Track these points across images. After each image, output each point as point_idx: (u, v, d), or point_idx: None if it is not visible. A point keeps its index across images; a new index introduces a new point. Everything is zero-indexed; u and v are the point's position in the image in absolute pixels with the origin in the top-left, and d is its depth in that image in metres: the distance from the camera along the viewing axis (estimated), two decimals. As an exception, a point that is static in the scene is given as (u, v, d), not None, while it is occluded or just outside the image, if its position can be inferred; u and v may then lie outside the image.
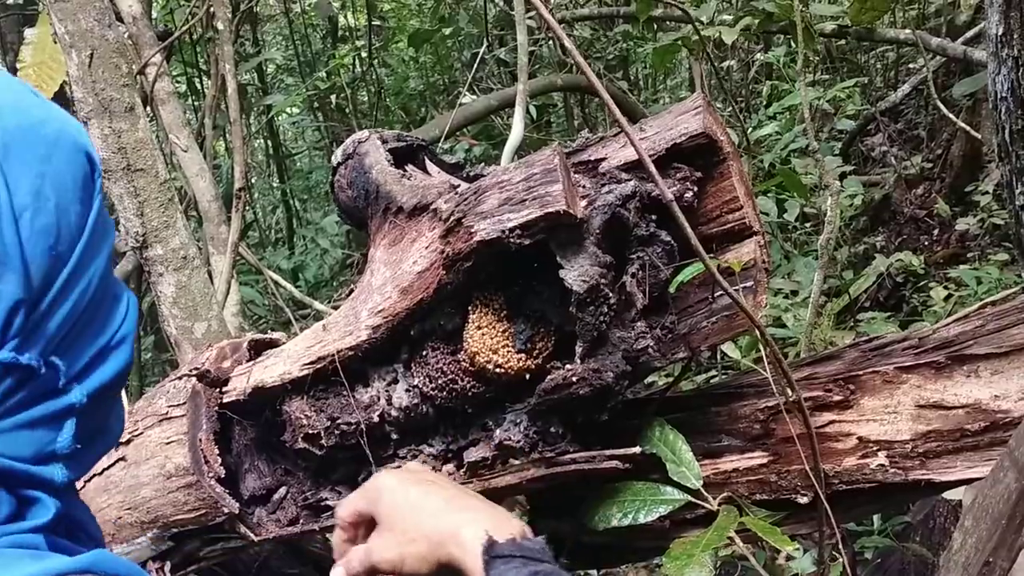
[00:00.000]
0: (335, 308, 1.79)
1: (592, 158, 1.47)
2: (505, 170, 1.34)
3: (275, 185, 7.87)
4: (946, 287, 3.18)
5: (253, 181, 8.65)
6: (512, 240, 1.27)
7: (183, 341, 2.58)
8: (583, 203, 1.32)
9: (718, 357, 2.75)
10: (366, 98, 7.65)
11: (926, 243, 3.83)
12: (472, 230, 1.31)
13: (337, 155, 1.67)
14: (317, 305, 3.48)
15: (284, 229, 7.58)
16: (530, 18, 5.22)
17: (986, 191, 3.55)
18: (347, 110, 7.15)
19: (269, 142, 7.59)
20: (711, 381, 2.90)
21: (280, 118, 7.60)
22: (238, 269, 4.09)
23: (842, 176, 3.78)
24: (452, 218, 1.35)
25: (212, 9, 3.16)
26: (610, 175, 1.41)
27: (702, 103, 1.35)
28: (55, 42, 2.23)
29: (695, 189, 1.38)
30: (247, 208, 7.03)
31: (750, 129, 4.02)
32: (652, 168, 1.18)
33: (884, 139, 4.43)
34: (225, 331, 2.68)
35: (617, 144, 1.46)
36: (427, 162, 1.70)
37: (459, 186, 1.48)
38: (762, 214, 3.32)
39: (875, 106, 4.53)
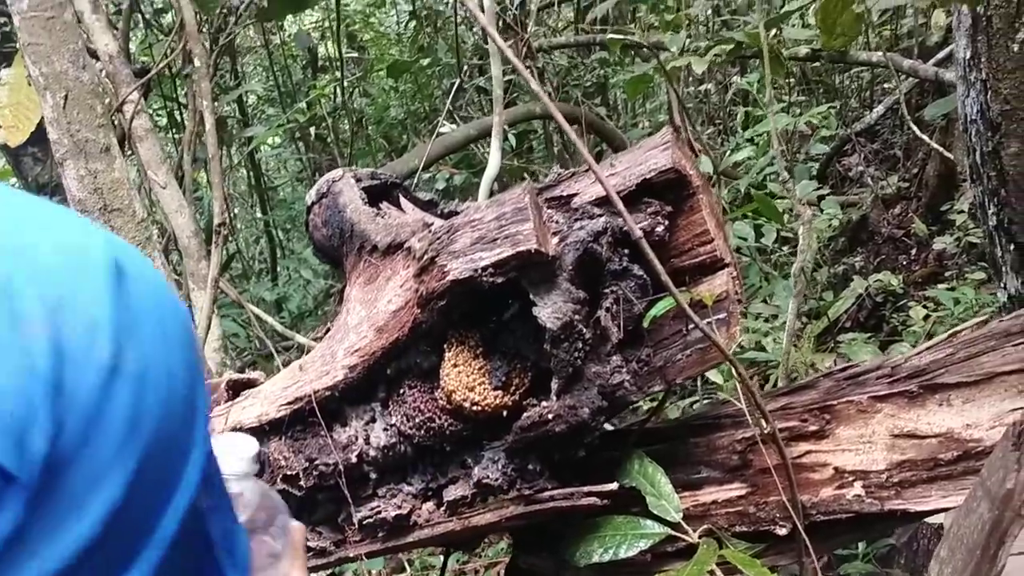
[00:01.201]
0: (317, 340, 1.78)
1: (564, 193, 1.48)
2: (477, 208, 1.34)
3: (258, 216, 7.86)
4: (925, 307, 3.21)
5: (236, 212, 8.64)
6: (485, 279, 1.28)
7: (163, 380, 2.57)
8: (555, 240, 1.33)
9: (699, 383, 2.76)
10: (347, 127, 7.68)
11: (904, 263, 3.86)
12: (445, 269, 1.31)
13: (311, 194, 1.67)
14: (299, 338, 3.46)
15: (267, 260, 7.56)
16: (508, 46, 5.27)
17: (961, 210, 3.59)
18: (328, 140, 7.16)
19: (251, 173, 7.58)
20: (694, 406, 2.91)
21: (262, 149, 7.61)
22: (220, 302, 4.08)
23: (820, 198, 3.81)
24: (425, 257, 1.35)
25: (189, 46, 3.17)
26: (582, 210, 1.42)
27: (671, 138, 1.36)
28: (30, 84, 2.23)
29: (666, 223, 1.38)
30: (229, 240, 7.02)
31: (727, 153, 4.06)
32: (621, 206, 1.19)
33: (860, 160, 4.48)
34: (206, 368, 2.66)
35: (589, 179, 1.46)
36: (401, 199, 1.70)
37: (432, 224, 1.48)
38: (740, 239, 3.36)
39: (850, 127, 4.58)
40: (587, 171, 1.48)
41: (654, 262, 1.22)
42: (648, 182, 1.38)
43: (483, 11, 2.50)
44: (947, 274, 3.56)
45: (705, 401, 2.73)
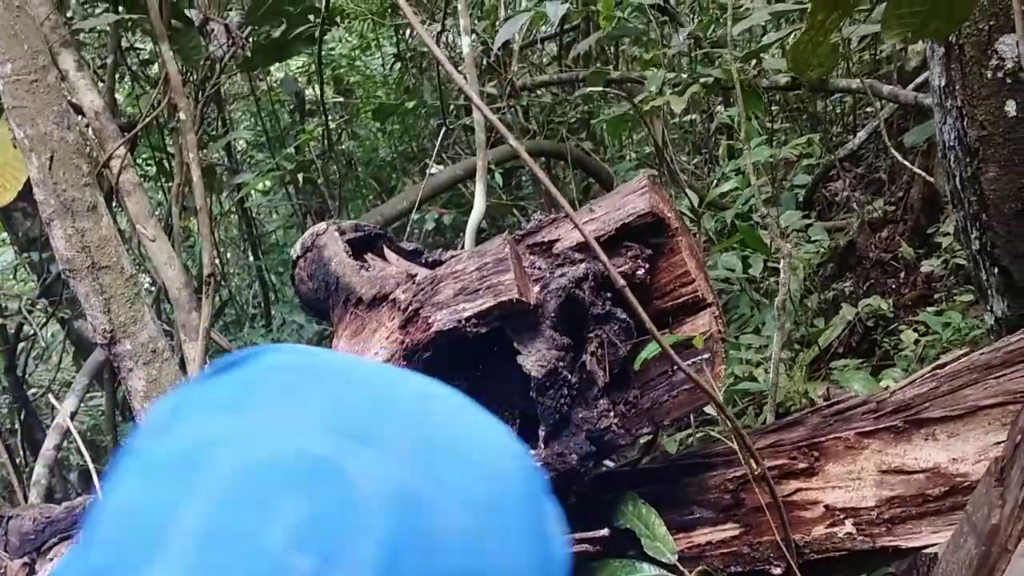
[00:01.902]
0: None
1: (546, 239, 1.49)
2: (459, 259, 1.36)
3: (250, 261, 7.86)
4: (916, 330, 3.21)
5: (228, 257, 8.65)
6: (469, 329, 1.29)
7: (156, 434, 2.56)
8: (537, 287, 1.34)
9: (692, 417, 2.76)
10: (337, 170, 7.71)
11: (893, 286, 3.88)
12: (429, 320, 1.32)
13: (296, 249, 1.68)
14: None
15: (260, 305, 7.55)
16: (492, 86, 5.32)
17: (947, 232, 3.61)
18: (319, 182, 7.19)
19: (242, 219, 7.60)
20: (690, 438, 2.90)
21: (252, 194, 7.64)
22: (213, 351, 4.07)
23: (807, 225, 3.83)
24: (410, 308, 1.36)
25: (174, 99, 3.20)
26: (564, 256, 1.43)
27: (647, 183, 1.38)
28: (15, 145, 2.25)
29: (647, 266, 1.39)
30: (222, 287, 7.02)
31: (713, 183, 4.09)
32: (601, 255, 1.20)
33: (845, 185, 4.51)
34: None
35: (570, 225, 1.48)
36: (385, 250, 1.72)
37: (416, 274, 1.49)
38: (728, 270, 3.37)
39: (835, 153, 4.62)
40: (567, 217, 1.50)
41: (636, 307, 1.23)
42: (627, 226, 1.39)
43: (464, 56, 2.53)
44: (936, 296, 3.58)
45: (699, 435, 2.72)
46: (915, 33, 1.56)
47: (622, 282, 1.22)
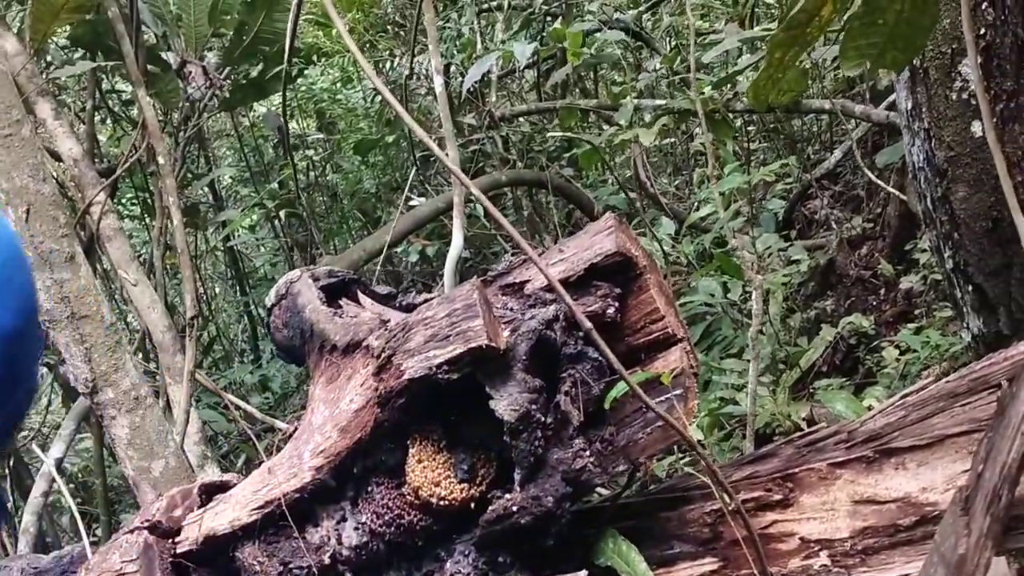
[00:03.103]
0: (286, 439, 1.79)
1: (517, 280, 1.50)
2: (430, 305, 1.37)
3: (238, 297, 7.86)
4: (897, 347, 3.24)
5: (216, 292, 8.64)
6: (440, 376, 1.30)
7: (141, 481, 2.55)
8: (508, 330, 1.35)
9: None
10: (322, 202, 7.73)
11: (874, 303, 3.90)
12: (402, 368, 1.33)
13: (270, 296, 1.69)
14: (279, 424, 3.46)
15: (249, 340, 7.55)
16: (471, 117, 5.36)
17: (924, 248, 3.64)
18: (304, 216, 7.20)
19: (228, 256, 7.60)
20: (677, 463, 2.91)
21: (239, 231, 7.64)
22: (200, 390, 4.07)
23: (786, 247, 3.86)
24: (383, 355, 1.37)
25: (152, 143, 3.21)
26: (535, 297, 1.45)
27: (613, 223, 1.40)
28: (-9, 199, 2.26)
29: (616, 304, 1.41)
30: (208, 323, 7.01)
31: (694, 206, 4.12)
32: (567, 297, 1.22)
33: (823, 204, 4.55)
34: (184, 466, 2.65)
35: (542, 264, 1.49)
36: (360, 294, 1.73)
37: (389, 320, 1.50)
38: (709, 295, 3.40)
39: (811, 172, 4.67)
40: (540, 255, 1.51)
41: (603, 347, 1.24)
42: (595, 266, 1.41)
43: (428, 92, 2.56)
44: (916, 312, 3.61)
45: (685, 460, 2.73)
46: (873, 64, 1.59)
47: (588, 324, 1.23)
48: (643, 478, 1.81)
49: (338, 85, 8.50)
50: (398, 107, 1.25)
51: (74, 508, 2.73)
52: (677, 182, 6.75)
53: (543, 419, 1.32)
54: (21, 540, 4.08)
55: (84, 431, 5.72)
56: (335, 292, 1.72)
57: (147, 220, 6.80)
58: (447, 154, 2.49)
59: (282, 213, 6.04)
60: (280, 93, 4.73)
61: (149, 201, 6.63)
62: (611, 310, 1.40)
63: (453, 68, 5.47)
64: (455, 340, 1.27)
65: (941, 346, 2.81)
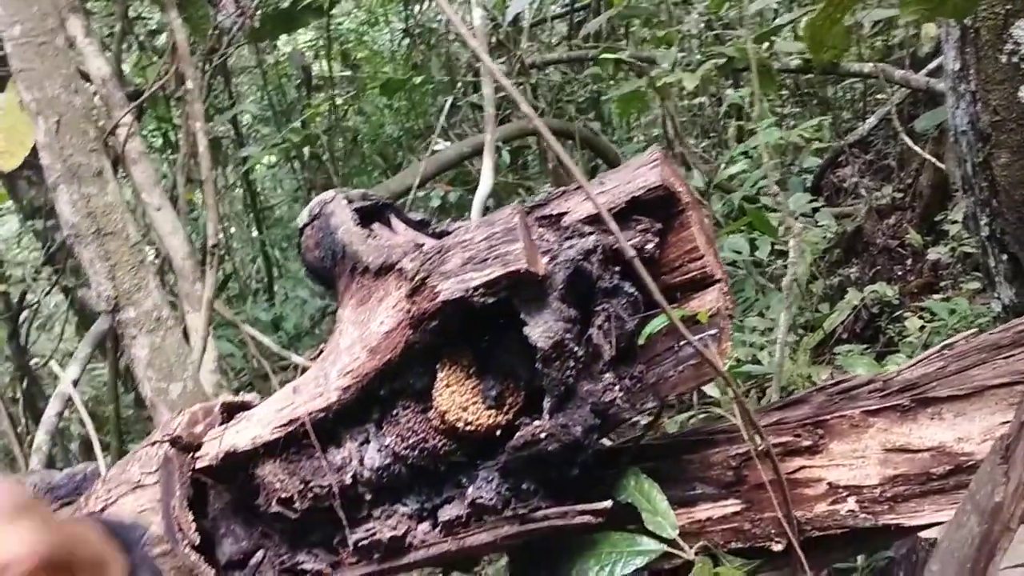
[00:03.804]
0: (313, 360, 1.79)
1: (555, 212, 1.48)
2: (467, 229, 1.35)
3: (254, 236, 7.87)
4: (921, 317, 3.21)
5: (232, 231, 8.65)
6: (476, 299, 1.28)
7: (159, 403, 2.57)
8: (546, 259, 1.33)
9: (695, 396, 2.76)
10: (343, 145, 7.70)
11: (900, 273, 3.87)
12: (436, 290, 1.31)
13: (303, 216, 1.68)
14: (295, 358, 3.47)
15: (264, 279, 7.56)
16: (501, 63, 5.29)
17: (955, 220, 3.60)
18: (324, 157, 7.18)
19: (247, 193, 7.60)
20: (691, 420, 2.91)
21: (257, 168, 7.62)
22: (216, 323, 4.08)
23: (814, 210, 3.82)
24: (417, 277, 1.35)
25: (181, 68, 3.18)
26: (573, 229, 1.43)
27: (659, 156, 1.37)
28: (23, 109, 2.24)
29: (656, 240, 1.39)
30: (224, 261, 7.03)
31: (722, 166, 4.07)
32: (613, 224, 1.20)
33: (854, 171, 4.49)
34: (201, 391, 2.66)
35: (579, 197, 1.47)
36: (393, 220, 1.71)
37: (424, 244, 1.48)
38: (735, 252, 3.36)
39: (844, 138, 4.60)
40: (577, 189, 1.49)
41: (647, 279, 1.22)
42: (637, 200, 1.38)
43: (474, 30, 2.52)
44: (942, 284, 3.57)
45: (702, 416, 2.73)
46: (933, 11, 1.55)
47: (633, 252, 1.22)
48: (664, 421, 1.80)
49: (364, 27, 8.41)
50: (464, 30, 1.22)
51: (90, 425, 2.75)
52: (704, 144, 6.69)
53: (575, 350, 1.31)
54: (33, 458, 4.12)
55: (94, 361, 5.76)
56: (368, 216, 1.70)
57: (168, 153, 6.79)
58: (484, 93, 2.45)
59: (305, 151, 6.01)
60: (306, 29, 4.68)
61: (171, 134, 6.62)
62: (651, 245, 1.38)
63: (484, 13, 5.39)
64: (493, 263, 1.26)
65: (968, 316, 2.78)
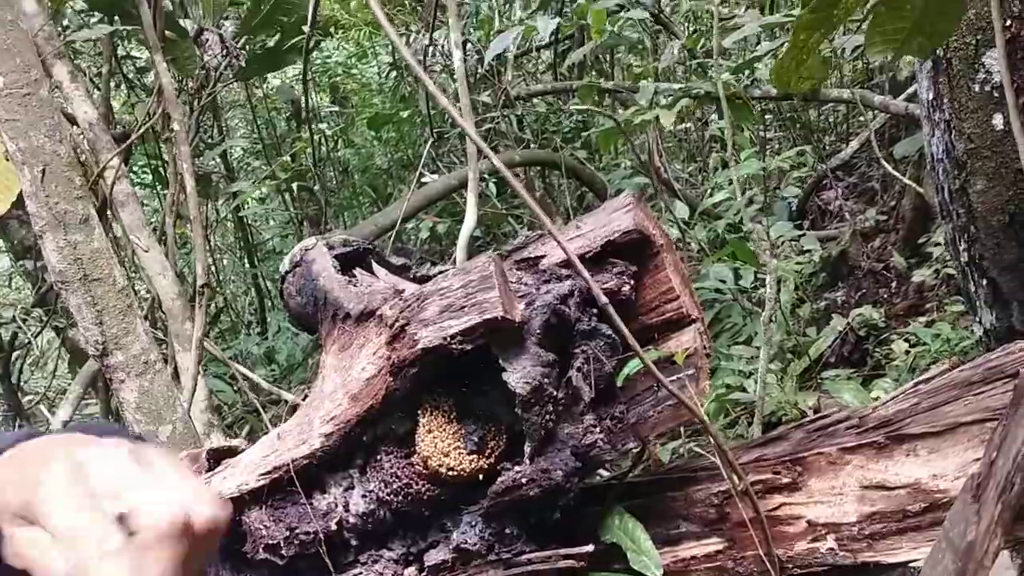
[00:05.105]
0: (304, 395, 1.80)
1: (533, 255, 1.50)
2: (445, 276, 1.37)
3: (246, 268, 7.88)
4: (907, 340, 3.23)
5: (225, 263, 8.66)
6: (455, 346, 1.30)
7: (148, 445, 2.57)
8: (523, 304, 1.35)
9: (683, 427, 2.77)
10: (333, 177, 7.73)
11: (885, 296, 3.89)
12: (416, 337, 1.33)
13: (284, 264, 1.69)
14: (285, 395, 3.47)
15: (256, 312, 7.57)
16: (487, 95, 5.34)
17: (938, 242, 3.63)
18: (315, 190, 7.21)
19: (238, 227, 7.62)
20: (682, 448, 2.92)
21: (249, 202, 7.65)
22: (207, 359, 4.08)
23: (800, 235, 3.85)
24: (396, 325, 1.37)
25: (167, 110, 3.21)
26: (550, 272, 1.45)
27: (632, 201, 1.39)
28: (7, 158, 2.26)
29: (631, 282, 1.41)
30: (217, 294, 7.04)
31: (707, 192, 4.10)
32: (583, 271, 1.22)
33: (838, 195, 4.53)
34: (191, 432, 2.67)
35: (561, 238, 1.49)
36: (374, 264, 1.73)
37: (404, 291, 1.50)
38: (720, 281, 3.38)
39: (827, 162, 4.64)
40: (551, 233, 1.51)
41: (619, 324, 1.24)
42: (613, 243, 1.41)
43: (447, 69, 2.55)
44: (927, 306, 3.60)
45: (692, 444, 2.74)
46: (898, 50, 1.58)
47: (604, 299, 1.23)
48: (647, 462, 1.82)
49: (353, 60, 8.47)
50: (423, 76, 1.25)
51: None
52: (691, 169, 6.73)
53: (555, 393, 1.32)
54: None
55: (89, 397, 5.75)
56: (349, 261, 1.72)
57: (158, 189, 6.81)
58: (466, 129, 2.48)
59: (293, 186, 6.04)
60: (294, 65, 4.72)
61: (161, 170, 6.64)
62: (626, 287, 1.40)
63: (469, 46, 5.44)
64: (470, 311, 1.27)
65: (952, 340, 2.80)
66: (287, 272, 1.69)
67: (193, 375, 3.12)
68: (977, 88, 2.35)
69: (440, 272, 1.56)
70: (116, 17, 3.88)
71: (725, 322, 3.52)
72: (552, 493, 1.31)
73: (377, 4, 1.16)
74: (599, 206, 1.68)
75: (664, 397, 1.42)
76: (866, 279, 3.95)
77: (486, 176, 4.54)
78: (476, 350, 1.32)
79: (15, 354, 6.14)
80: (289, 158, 6.32)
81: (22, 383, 6.62)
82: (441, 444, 1.39)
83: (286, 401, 3.81)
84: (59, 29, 4.81)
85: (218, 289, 6.93)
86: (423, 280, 1.64)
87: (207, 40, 3.96)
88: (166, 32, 3.74)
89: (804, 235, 3.89)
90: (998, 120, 2.33)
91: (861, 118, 5.61)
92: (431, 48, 5.41)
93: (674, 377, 1.39)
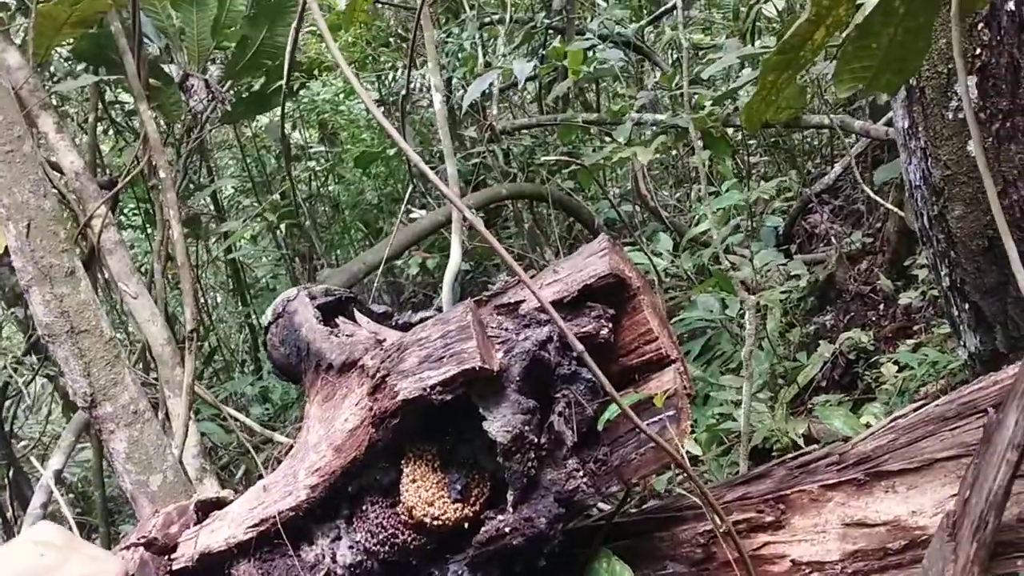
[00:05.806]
0: (293, 444, 1.80)
1: (512, 300, 1.51)
2: (424, 326, 1.38)
3: (238, 308, 7.87)
4: (896, 363, 3.24)
5: (217, 301, 8.65)
6: (434, 397, 1.30)
7: (139, 495, 2.56)
8: (501, 351, 1.36)
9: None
10: (324, 213, 7.75)
11: (873, 318, 3.91)
12: (396, 388, 1.34)
13: (267, 315, 1.70)
14: (277, 437, 3.46)
15: (250, 351, 7.54)
16: (472, 130, 5.38)
17: (923, 264, 3.65)
18: (305, 226, 7.22)
19: (229, 267, 7.61)
20: (675, 480, 2.91)
21: (240, 242, 7.65)
22: (199, 402, 4.07)
23: (785, 262, 3.87)
24: (378, 375, 1.38)
25: (153, 158, 3.23)
26: (529, 317, 1.46)
27: (607, 245, 1.41)
28: (-8, 214, 2.27)
29: (609, 325, 1.42)
30: (209, 334, 7.02)
31: (694, 219, 4.12)
32: (558, 319, 1.23)
33: (823, 219, 4.56)
34: (182, 480, 2.66)
35: (536, 285, 1.50)
36: (356, 313, 1.74)
37: (385, 340, 1.51)
38: (707, 311, 3.40)
39: (811, 186, 4.68)
40: (534, 277, 1.52)
41: (595, 371, 1.25)
42: (589, 287, 1.42)
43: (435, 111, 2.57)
44: (915, 327, 3.61)
45: (680, 477, 2.74)
46: (868, 86, 1.60)
47: (580, 347, 1.24)
48: (642, 493, 1.82)
49: (340, 96, 8.52)
50: (391, 129, 1.27)
51: (71, 519, 2.73)
52: (678, 195, 6.77)
53: (536, 440, 1.33)
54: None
55: (84, 441, 5.72)
56: (331, 311, 1.73)
57: (149, 230, 6.81)
58: (446, 170, 2.51)
59: (283, 224, 6.05)
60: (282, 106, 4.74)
61: (151, 211, 6.65)
62: (604, 331, 1.41)
63: (455, 82, 5.49)
64: (449, 361, 1.28)
65: (939, 363, 2.81)
66: (270, 323, 1.70)
67: (184, 421, 3.11)
68: (951, 116, 2.38)
69: (421, 320, 1.57)
70: (102, 66, 3.91)
71: (715, 350, 3.53)
72: (536, 541, 1.31)
73: (340, 55, 1.18)
74: (588, 237, 1.70)
75: (647, 439, 1.43)
76: (854, 302, 3.97)
77: (475, 210, 4.56)
78: (458, 397, 1.33)
79: (7, 403, 6.11)
80: (279, 196, 6.34)
81: (15, 429, 6.59)
82: (425, 493, 1.39)
83: (279, 442, 3.80)
84: (46, 75, 4.85)
85: (211, 329, 6.91)
86: (405, 327, 1.66)
87: (192, 85, 3.99)
88: (151, 80, 3.77)
89: (790, 260, 3.91)
90: (973, 147, 2.35)
91: (845, 141, 5.66)
92: (416, 85, 5.47)
93: (655, 419, 1.40)
